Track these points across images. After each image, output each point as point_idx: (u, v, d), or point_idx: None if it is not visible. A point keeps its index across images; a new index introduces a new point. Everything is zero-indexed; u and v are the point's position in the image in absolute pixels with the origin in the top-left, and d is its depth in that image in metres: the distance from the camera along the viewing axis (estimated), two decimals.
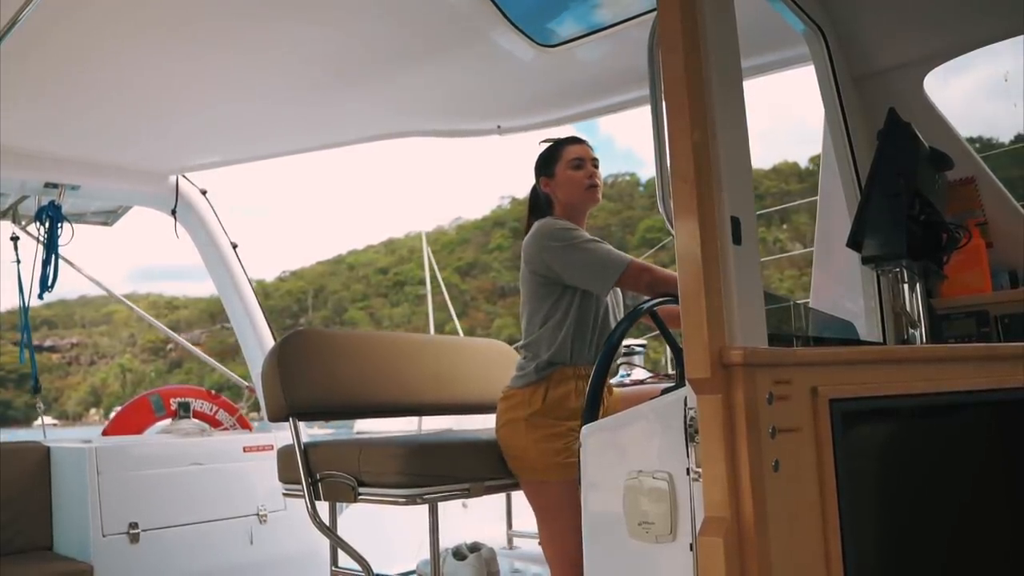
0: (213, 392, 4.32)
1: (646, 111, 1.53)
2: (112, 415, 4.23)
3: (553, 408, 2.19)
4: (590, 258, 2.19)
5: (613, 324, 2.30)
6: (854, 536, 1.18)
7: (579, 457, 1.50)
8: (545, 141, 2.46)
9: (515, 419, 2.22)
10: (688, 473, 1.23)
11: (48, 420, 3.97)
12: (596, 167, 2.38)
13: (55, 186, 3.63)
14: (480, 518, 3.31)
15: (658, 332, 2.08)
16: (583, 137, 2.40)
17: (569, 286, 2.23)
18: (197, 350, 4.76)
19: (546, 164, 2.40)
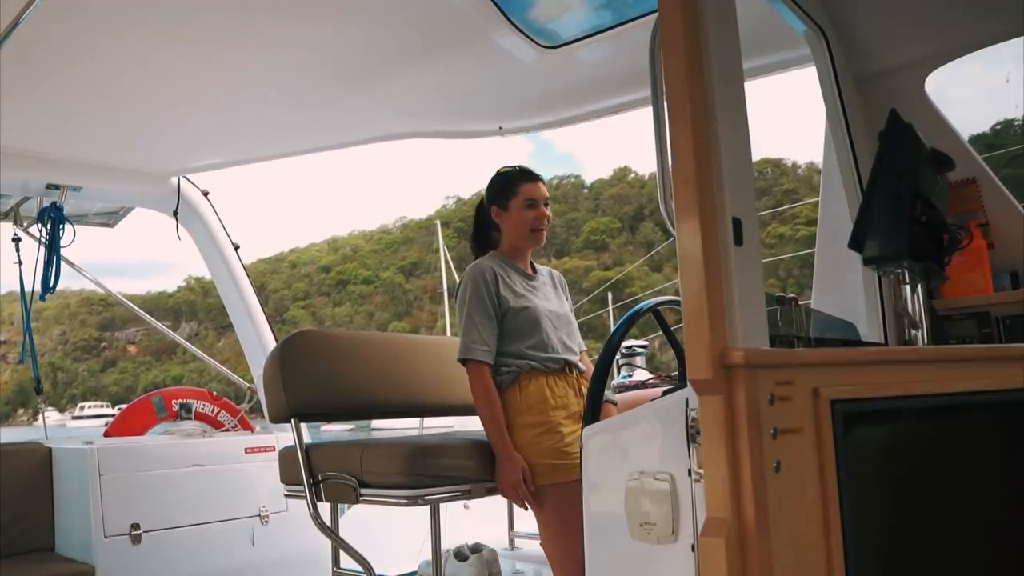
0: (214, 393, 4.33)
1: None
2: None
3: (533, 403, 2.26)
4: (465, 330, 2.32)
5: (550, 333, 2.36)
6: (855, 537, 1.18)
7: (580, 458, 1.51)
8: (503, 169, 2.51)
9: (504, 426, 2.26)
10: (689, 474, 1.23)
11: None
12: (547, 206, 2.47)
13: (57, 187, 3.64)
14: (482, 519, 3.31)
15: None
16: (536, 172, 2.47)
17: (503, 307, 2.33)
18: (204, 355, 4.75)
19: (501, 195, 2.46)
